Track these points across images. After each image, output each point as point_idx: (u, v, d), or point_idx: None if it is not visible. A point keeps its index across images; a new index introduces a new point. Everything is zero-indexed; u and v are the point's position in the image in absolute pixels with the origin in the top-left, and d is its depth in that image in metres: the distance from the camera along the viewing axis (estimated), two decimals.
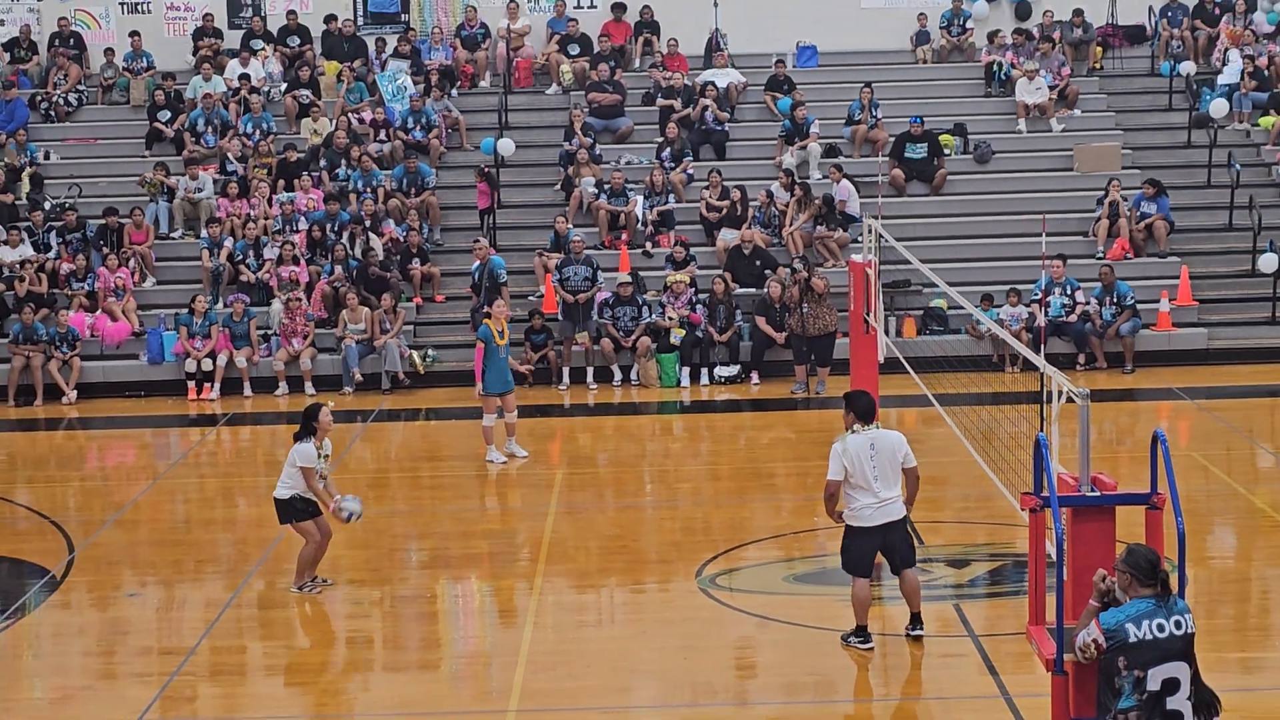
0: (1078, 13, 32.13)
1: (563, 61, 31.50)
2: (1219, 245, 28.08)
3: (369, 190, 27.99)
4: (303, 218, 27.48)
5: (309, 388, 25.20)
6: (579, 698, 12.64)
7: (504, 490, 19.68)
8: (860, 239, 23.38)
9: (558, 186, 29.01)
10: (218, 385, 25.40)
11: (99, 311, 26.24)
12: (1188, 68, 31.12)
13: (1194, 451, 20.29)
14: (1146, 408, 23.92)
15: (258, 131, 29.68)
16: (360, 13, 32.61)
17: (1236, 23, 31.93)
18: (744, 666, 13.60)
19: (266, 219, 27.53)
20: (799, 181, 27.81)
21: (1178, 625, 8.78)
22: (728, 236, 27.01)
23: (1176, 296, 26.53)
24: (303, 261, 26.67)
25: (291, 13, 32.08)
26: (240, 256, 26.85)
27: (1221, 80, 30.93)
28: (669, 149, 29.23)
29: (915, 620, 13.59)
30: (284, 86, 30.94)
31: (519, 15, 32.03)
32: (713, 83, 30.34)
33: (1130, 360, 25.52)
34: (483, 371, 20.13)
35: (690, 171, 29.02)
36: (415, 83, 30.57)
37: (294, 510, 15.18)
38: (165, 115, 30.29)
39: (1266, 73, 30.82)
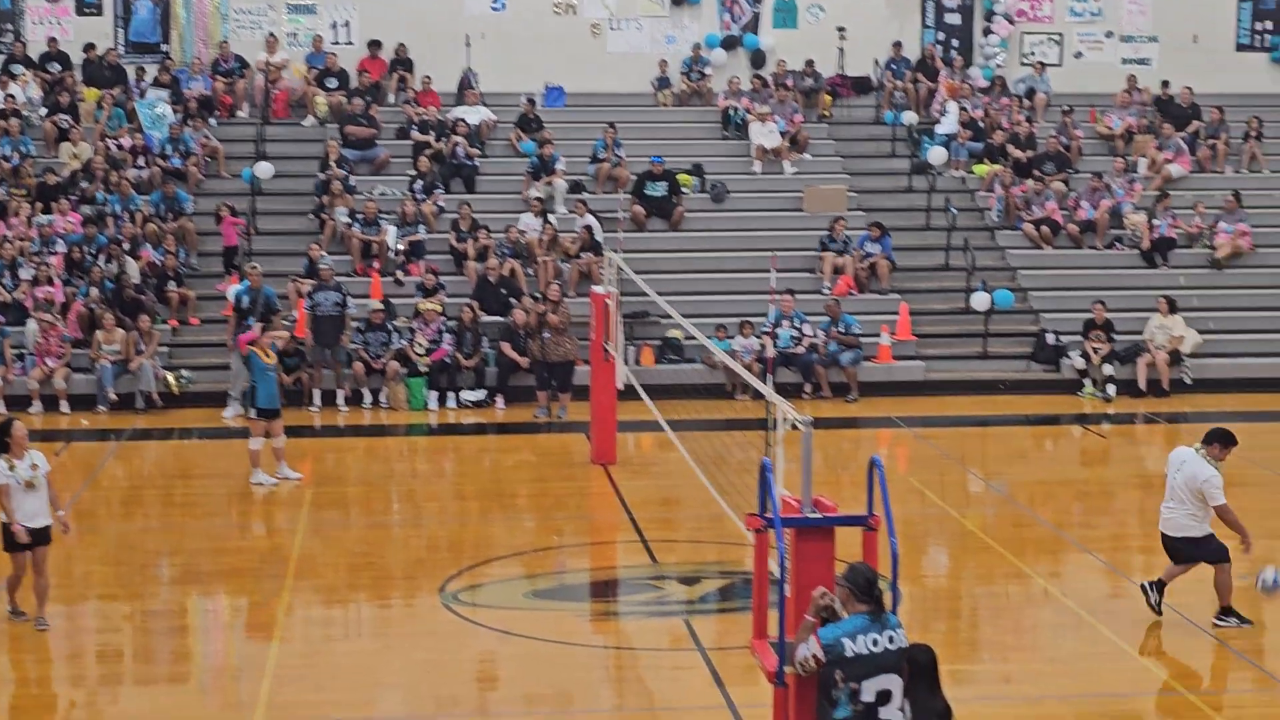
0: (809, 63, 33.17)
1: (318, 94, 31.83)
2: (936, 284, 29.12)
3: (126, 214, 28.05)
4: (60, 240, 27.40)
5: (64, 406, 25.15)
6: (324, 709, 12.80)
7: (254, 508, 19.70)
8: (602, 271, 24.06)
9: (312, 215, 29.20)
10: None
11: None
12: (909, 118, 32.29)
13: (911, 477, 21.15)
14: (867, 435, 24.68)
15: (16, 154, 29.43)
16: (121, 41, 32.53)
17: (955, 77, 33.24)
18: (485, 679, 13.85)
19: (23, 240, 27.36)
20: (548, 221, 28.50)
21: (890, 640, 9.17)
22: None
23: (897, 331, 27.48)
24: (58, 282, 26.55)
25: (52, 39, 31.92)
26: None
27: (940, 130, 32.12)
28: (420, 181, 29.57)
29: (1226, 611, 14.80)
30: (44, 111, 30.73)
31: (277, 49, 32.25)
32: (464, 119, 30.89)
33: (854, 390, 26.47)
34: (252, 392, 20.47)
35: (441, 204, 29.41)
36: (174, 111, 30.59)
37: (9, 537, 14.56)
38: None
39: (981, 124, 32.12)
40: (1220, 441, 14.61)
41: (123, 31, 32.70)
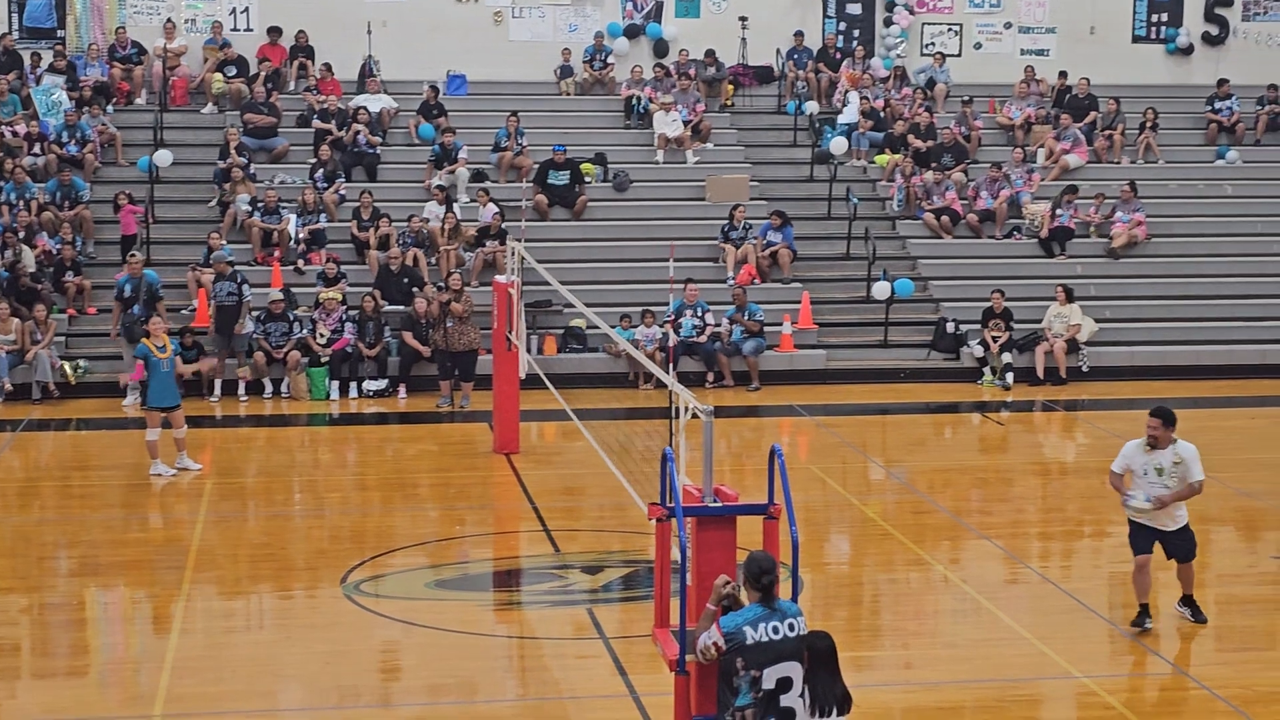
0: (710, 53, 33.30)
1: (217, 79, 31.51)
2: (838, 273, 29.32)
3: (22, 202, 27.71)
4: None
5: None
6: (223, 702, 12.70)
7: (153, 499, 19.51)
8: (505, 260, 23.98)
9: (212, 203, 29.06)
10: None
11: None
12: (811, 107, 32.54)
13: (812, 465, 21.26)
14: (770, 424, 24.80)
15: None
16: (15, 27, 32.12)
17: (856, 67, 33.49)
18: (388, 669, 13.81)
19: None
20: (451, 209, 28.37)
21: (791, 628, 9.24)
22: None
23: (798, 320, 27.66)
24: None
25: None
26: None
27: (841, 120, 32.39)
28: (322, 170, 29.42)
29: (1186, 600, 14.63)
30: None
31: (175, 35, 32.00)
32: (365, 107, 30.78)
33: (755, 378, 26.60)
34: (145, 386, 20.18)
35: (342, 192, 29.31)
36: (70, 98, 30.27)
37: None
38: None
39: (882, 114, 32.41)
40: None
41: (17, 16, 32.34)
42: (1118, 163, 32.72)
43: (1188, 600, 14.72)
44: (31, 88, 30.59)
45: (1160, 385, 26.96)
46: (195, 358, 25.27)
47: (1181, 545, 14.46)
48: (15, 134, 29.54)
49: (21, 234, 27.06)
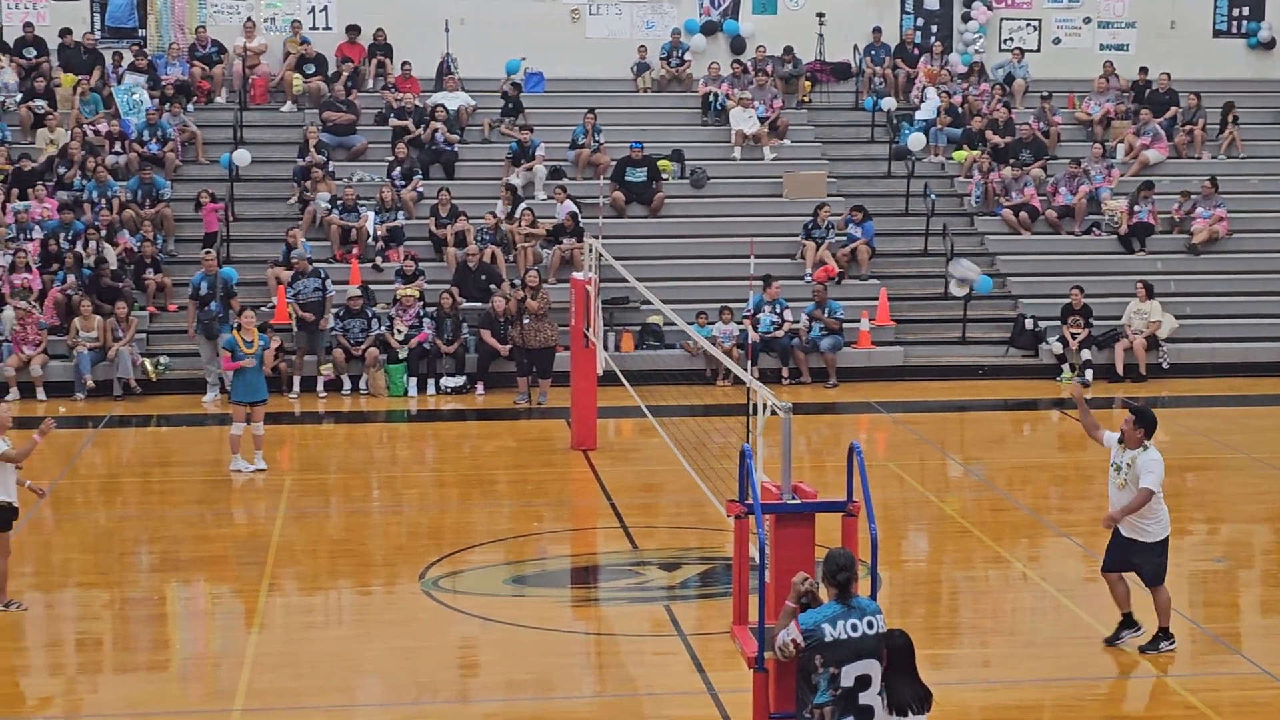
0: (788, 49, 33.23)
1: (296, 78, 31.71)
2: (915, 269, 29.19)
3: (104, 201, 27.97)
4: (37, 226, 27.32)
5: (40, 394, 25.12)
6: (303, 697, 12.77)
7: (234, 495, 19.63)
8: (582, 257, 24.15)
9: (292, 201, 29.29)
10: None
11: None
12: (889, 103, 32.37)
13: (890, 462, 21.19)
14: (847, 420, 24.70)
15: None
16: (97, 26, 32.40)
17: (934, 63, 33.38)
18: (466, 665, 13.85)
19: (0, 227, 27.40)
20: (528, 206, 28.48)
21: (870, 625, 9.23)
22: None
23: (876, 316, 27.55)
24: (35, 269, 26.48)
25: (29, 25, 31.80)
26: None
27: (919, 116, 32.30)
28: (400, 167, 29.55)
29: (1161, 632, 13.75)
30: (19, 97, 30.68)
31: (255, 34, 32.25)
32: (443, 105, 30.92)
33: (833, 375, 26.53)
34: (232, 380, 20.28)
35: (420, 189, 29.45)
36: (151, 96, 30.52)
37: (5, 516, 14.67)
38: None
39: (960, 110, 32.23)
40: None
41: (99, 16, 32.60)
42: (1198, 158, 32.41)
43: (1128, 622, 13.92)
44: (113, 87, 30.86)
45: (1241, 382, 26.76)
46: (276, 355, 25.45)
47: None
48: (97, 133, 29.80)
49: (103, 232, 27.29)
